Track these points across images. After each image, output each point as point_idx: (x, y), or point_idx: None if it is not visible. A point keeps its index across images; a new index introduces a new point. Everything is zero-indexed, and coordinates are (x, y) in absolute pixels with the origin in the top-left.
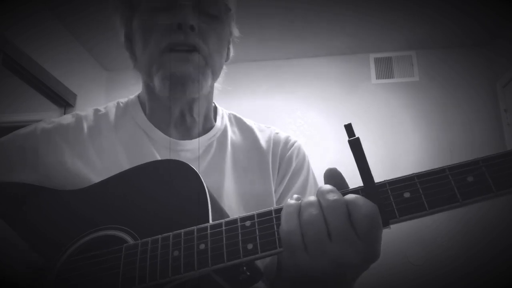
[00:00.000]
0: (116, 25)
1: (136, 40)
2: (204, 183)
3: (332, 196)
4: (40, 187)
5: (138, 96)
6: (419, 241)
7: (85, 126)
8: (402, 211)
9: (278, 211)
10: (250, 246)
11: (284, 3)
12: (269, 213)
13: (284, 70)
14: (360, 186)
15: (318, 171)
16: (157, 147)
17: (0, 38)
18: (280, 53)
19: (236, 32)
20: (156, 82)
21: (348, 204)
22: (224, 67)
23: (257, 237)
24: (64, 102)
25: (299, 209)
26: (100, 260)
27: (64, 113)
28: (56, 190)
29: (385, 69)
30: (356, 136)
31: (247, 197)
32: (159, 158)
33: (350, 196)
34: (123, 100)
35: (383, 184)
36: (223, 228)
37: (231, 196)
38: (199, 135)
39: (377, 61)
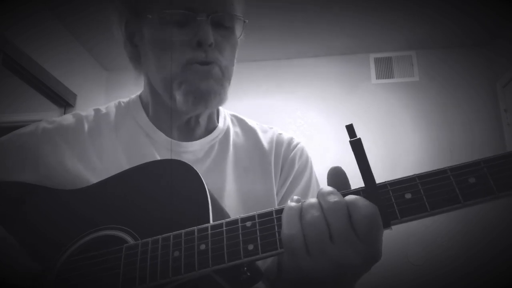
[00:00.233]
0: (115, 27)
1: (146, 51)
2: (204, 183)
3: (333, 198)
4: (40, 186)
5: (140, 96)
6: (419, 241)
7: (85, 126)
8: (403, 212)
9: (279, 211)
10: (251, 247)
11: (284, 3)
12: (270, 213)
13: (284, 70)
14: (361, 187)
15: (318, 171)
16: (158, 148)
17: (0, 38)
18: (280, 53)
19: (242, 35)
20: (178, 97)
21: (348, 206)
22: None
23: (258, 238)
24: (64, 102)
25: (300, 211)
26: (100, 260)
27: (64, 113)
28: (56, 189)
29: (385, 69)
30: (358, 137)
31: (248, 198)
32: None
33: (350, 197)
34: (125, 100)
35: (384, 185)
36: (224, 228)
37: (232, 197)
38: (201, 137)
39: (377, 61)
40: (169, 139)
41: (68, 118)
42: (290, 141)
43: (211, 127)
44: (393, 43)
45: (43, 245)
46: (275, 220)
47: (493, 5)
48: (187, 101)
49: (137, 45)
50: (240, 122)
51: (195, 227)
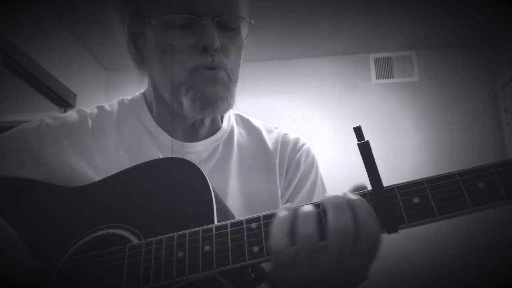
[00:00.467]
0: (116, 26)
1: (151, 55)
2: (209, 182)
3: (339, 216)
4: (43, 183)
5: (144, 94)
6: (419, 241)
7: (89, 124)
8: (411, 216)
9: None
10: (255, 249)
11: (284, 4)
12: (275, 215)
13: (284, 70)
14: (368, 190)
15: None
16: (161, 148)
17: (0, 38)
18: (280, 53)
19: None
20: (186, 103)
21: (356, 227)
22: None
23: (263, 240)
24: (64, 102)
25: (292, 221)
26: (103, 260)
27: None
28: (59, 186)
29: (385, 69)
30: (366, 140)
31: (252, 199)
32: None
33: (360, 217)
34: (128, 97)
35: (392, 188)
36: (229, 229)
37: (236, 198)
38: (205, 137)
39: (377, 61)
40: (173, 139)
41: (72, 115)
42: (296, 142)
43: (215, 128)
44: (393, 43)
45: (44, 243)
46: None
47: (493, 5)
48: (195, 107)
49: (140, 48)
50: (244, 122)
51: (200, 228)
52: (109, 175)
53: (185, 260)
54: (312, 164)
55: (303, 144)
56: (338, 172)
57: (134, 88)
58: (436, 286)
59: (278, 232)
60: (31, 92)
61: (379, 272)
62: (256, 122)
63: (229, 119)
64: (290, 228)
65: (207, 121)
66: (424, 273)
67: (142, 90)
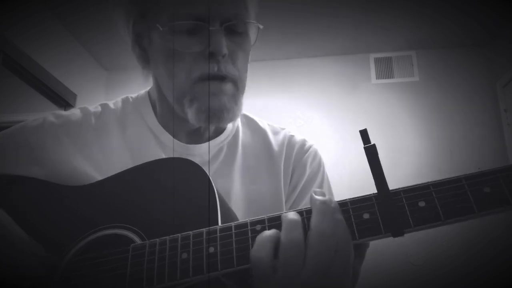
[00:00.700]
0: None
1: (156, 59)
2: (213, 183)
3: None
4: (46, 181)
5: (148, 93)
6: (419, 241)
7: (93, 122)
8: (416, 220)
9: None
10: None
11: (284, 4)
12: (279, 218)
13: (284, 70)
14: (374, 194)
15: None
16: (165, 149)
17: (0, 38)
18: (280, 53)
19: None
20: (190, 114)
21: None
22: None
23: None
24: (64, 102)
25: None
26: (106, 260)
27: None
28: (61, 185)
29: (385, 69)
30: (373, 143)
31: (256, 202)
32: None
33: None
34: (133, 95)
35: (398, 192)
36: (233, 231)
37: (240, 200)
38: (210, 139)
39: (377, 61)
40: (176, 141)
41: (75, 113)
42: (302, 144)
43: (220, 129)
44: (393, 43)
45: (45, 243)
46: None
47: (493, 5)
48: (199, 119)
49: (145, 49)
50: (250, 122)
51: (204, 229)
52: (111, 174)
53: (189, 261)
54: (318, 167)
55: (310, 146)
56: (338, 172)
57: (134, 88)
58: (436, 286)
59: (261, 239)
60: (31, 92)
61: (379, 272)
62: (262, 122)
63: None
64: (273, 242)
65: (212, 126)
66: (424, 273)
67: (147, 89)
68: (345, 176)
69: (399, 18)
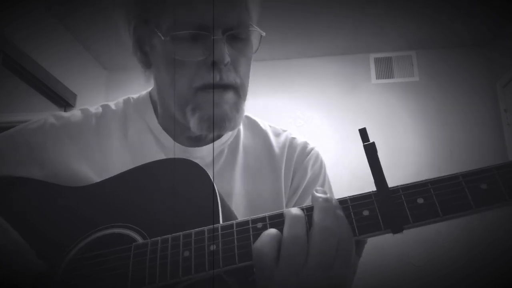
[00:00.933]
0: (121, 25)
1: (158, 65)
2: (213, 183)
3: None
4: (46, 182)
5: (150, 94)
6: (421, 242)
7: (93, 124)
8: (415, 216)
9: None
10: None
11: (284, 4)
12: (280, 215)
13: (284, 70)
14: (373, 191)
15: None
16: (166, 152)
17: (0, 38)
18: (280, 53)
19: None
20: (192, 123)
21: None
22: None
23: None
24: (64, 102)
25: (279, 238)
26: (108, 259)
27: None
28: (61, 186)
29: (385, 69)
30: (372, 141)
31: (257, 204)
32: None
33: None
34: (134, 96)
35: (397, 189)
36: (235, 229)
37: (241, 202)
38: (210, 141)
39: (377, 61)
40: (177, 144)
41: (76, 115)
42: (304, 146)
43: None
44: (393, 43)
45: (46, 243)
46: None
47: (493, 5)
48: (201, 128)
49: (147, 53)
50: (251, 124)
51: (205, 227)
52: (111, 175)
53: (191, 259)
54: (320, 170)
55: (312, 149)
56: (338, 172)
57: (134, 87)
58: (438, 287)
59: (265, 234)
60: (31, 92)
61: (381, 273)
62: (264, 124)
63: None
64: (277, 240)
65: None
66: (425, 274)
67: (149, 89)
68: (345, 176)
69: (399, 18)
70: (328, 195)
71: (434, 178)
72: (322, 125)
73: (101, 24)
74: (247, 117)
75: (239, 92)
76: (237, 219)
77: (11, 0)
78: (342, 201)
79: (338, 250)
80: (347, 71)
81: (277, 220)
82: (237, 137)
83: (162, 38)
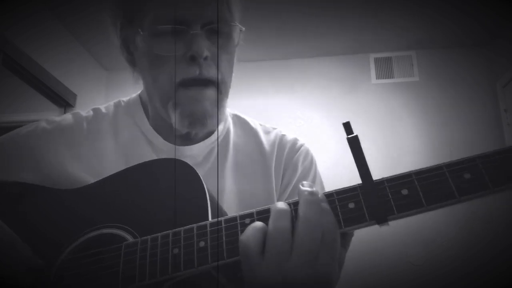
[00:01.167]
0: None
1: (142, 62)
2: (203, 181)
3: (312, 211)
4: (39, 186)
5: (140, 96)
6: (419, 241)
7: (85, 127)
8: (400, 207)
9: None
10: None
11: (284, 4)
12: (268, 210)
13: (284, 70)
14: (358, 184)
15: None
16: (157, 152)
17: (0, 38)
18: (280, 53)
19: (242, 36)
20: (174, 120)
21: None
22: None
23: None
24: (64, 102)
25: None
26: (99, 258)
27: (64, 113)
28: (55, 189)
29: (385, 69)
30: (355, 134)
31: (248, 201)
32: None
33: (327, 226)
34: (125, 99)
35: (381, 181)
36: (223, 225)
37: (232, 200)
38: (200, 140)
39: (377, 61)
40: (168, 143)
41: (67, 118)
42: (294, 143)
43: (211, 130)
44: (393, 43)
45: (41, 245)
46: None
47: (493, 5)
48: (183, 124)
49: (132, 53)
50: (241, 122)
51: (194, 225)
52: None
53: (180, 256)
54: (310, 166)
55: (301, 145)
56: (338, 172)
57: (134, 88)
58: (436, 286)
59: (251, 226)
60: (31, 92)
61: (379, 272)
62: (254, 122)
63: (225, 121)
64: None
65: (195, 131)
66: (424, 273)
67: (139, 92)
68: (345, 176)
69: (399, 18)
70: (314, 188)
71: (418, 169)
72: (322, 125)
73: (102, 25)
74: (237, 116)
75: (221, 88)
76: (226, 214)
77: (12, 2)
78: (328, 195)
79: (322, 243)
80: (347, 71)
81: (265, 215)
82: (227, 135)
83: (141, 32)
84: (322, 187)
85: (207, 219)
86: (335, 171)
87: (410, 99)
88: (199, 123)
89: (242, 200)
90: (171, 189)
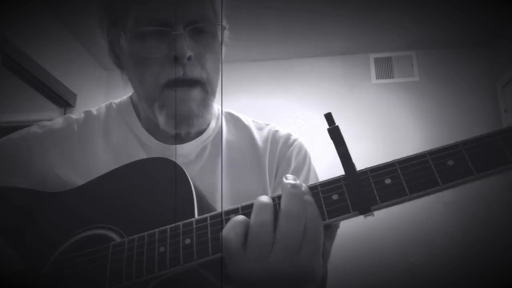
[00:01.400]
0: (98, 31)
1: (127, 64)
2: (189, 179)
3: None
4: (29, 190)
5: (131, 98)
6: (419, 241)
7: (76, 130)
8: (383, 197)
9: None
10: None
11: (284, 4)
12: (252, 205)
13: (284, 70)
14: (342, 175)
15: (318, 171)
16: (149, 152)
17: (0, 38)
18: (280, 53)
19: (227, 34)
20: (160, 120)
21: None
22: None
23: None
24: (64, 102)
25: (246, 225)
26: (87, 259)
27: (64, 113)
28: (45, 192)
29: (385, 69)
30: (336, 125)
31: (242, 198)
32: None
33: (310, 214)
34: (116, 101)
35: (365, 171)
36: (208, 222)
37: (226, 198)
38: (193, 138)
39: (377, 61)
40: (160, 143)
41: (58, 122)
42: (287, 138)
43: (203, 128)
44: (393, 43)
45: (29, 247)
46: None
47: (493, 5)
48: (169, 125)
49: (118, 55)
50: (234, 120)
51: (180, 222)
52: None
53: (166, 254)
54: (304, 160)
55: (294, 140)
56: (338, 172)
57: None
58: (436, 286)
59: (233, 220)
60: (31, 92)
61: (379, 272)
62: (247, 119)
63: (217, 118)
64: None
65: (182, 131)
66: (424, 273)
67: (129, 94)
68: None
69: (399, 18)
70: (297, 181)
71: (401, 158)
72: (322, 125)
73: (92, 29)
74: (230, 114)
75: (206, 88)
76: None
77: (12, 2)
78: (312, 187)
79: (305, 235)
80: (347, 71)
81: (250, 210)
82: (219, 133)
83: (123, 36)
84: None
85: (194, 216)
86: (336, 172)
87: (410, 99)
88: (185, 123)
89: (236, 196)
90: (158, 188)
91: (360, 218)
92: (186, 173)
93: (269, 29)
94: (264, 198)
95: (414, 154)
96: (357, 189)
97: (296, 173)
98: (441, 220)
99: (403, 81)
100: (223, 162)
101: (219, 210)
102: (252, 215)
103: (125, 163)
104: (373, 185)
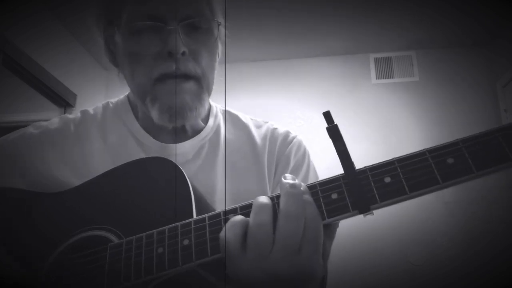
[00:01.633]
0: (95, 30)
1: (122, 61)
2: (187, 179)
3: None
4: (25, 191)
5: (128, 97)
6: (419, 241)
7: (72, 130)
8: (382, 196)
9: None
10: None
11: (284, 4)
12: (251, 205)
13: (284, 70)
14: (341, 174)
15: (318, 171)
16: (147, 152)
17: (0, 38)
18: (280, 53)
19: (223, 31)
20: (154, 114)
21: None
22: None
23: None
24: (64, 102)
25: (245, 224)
26: (85, 261)
27: (64, 113)
28: (42, 193)
29: (385, 69)
30: (335, 123)
31: (241, 197)
32: None
33: (310, 214)
34: (113, 100)
35: (364, 170)
36: (207, 222)
37: (225, 198)
38: (191, 136)
39: (377, 61)
40: (158, 142)
41: (54, 122)
42: (285, 136)
43: (200, 127)
44: (393, 43)
45: (28, 248)
46: None
47: (493, 5)
48: (163, 118)
49: (113, 52)
50: (233, 118)
51: (179, 223)
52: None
53: (165, 255)
54: (303, 158)
55: (293, 138)
56: (338, 172)
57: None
58: (436, 286)
59: (230, 223)
60: (31, 92)
61: (379, 272)
62: (245, 117)
63: (215, 117)
64: (243, 224)
65: (187, 124)
66: (424, 273)
67: (126, 93)
68: None
69: (399, 18)
70: (296, 181)
71: (401, 156)
72: (322, 125)
73: (90, 30)
74: (229, 112)
75: (201, 82)
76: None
77: (12, 2)
78: (311, 186)
79: (304, 235)
80: (347, 71)
81: (248, 210)
82: (217, 131)
83: (117, 32)
84: (317, 179)
85: (192, 216)
86: (336, 172)
87: (410, 99)
88: (179, 116)
89: (235, 195)
90: (157, 188)
91: (360, 217)
92: (184, 173)
93: (269, 29)
94: (263, 199)
95: (414, 152)
96: (357, 188)
97: (296, 170)
98: (441, 220)
99: (403, 81)
100: (221, 161)
101: (217, 210)
102: (251, 216)
103: (123, 162)
104: (372, 184)
